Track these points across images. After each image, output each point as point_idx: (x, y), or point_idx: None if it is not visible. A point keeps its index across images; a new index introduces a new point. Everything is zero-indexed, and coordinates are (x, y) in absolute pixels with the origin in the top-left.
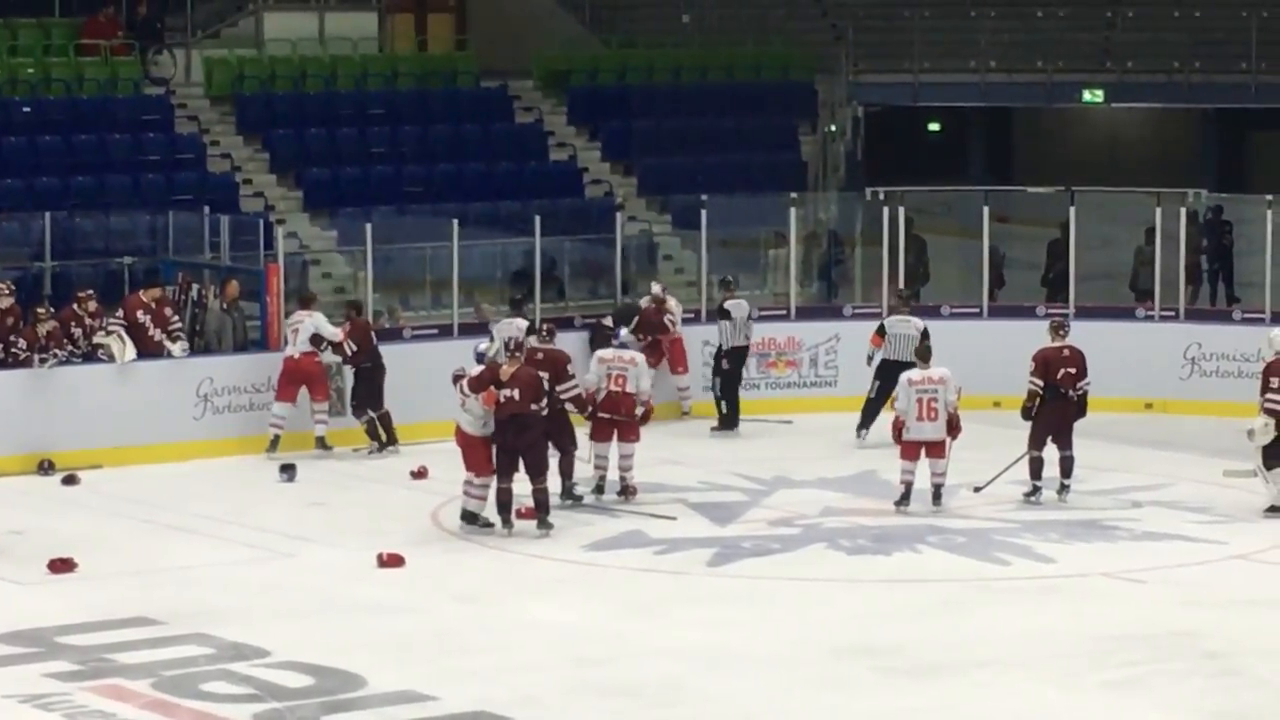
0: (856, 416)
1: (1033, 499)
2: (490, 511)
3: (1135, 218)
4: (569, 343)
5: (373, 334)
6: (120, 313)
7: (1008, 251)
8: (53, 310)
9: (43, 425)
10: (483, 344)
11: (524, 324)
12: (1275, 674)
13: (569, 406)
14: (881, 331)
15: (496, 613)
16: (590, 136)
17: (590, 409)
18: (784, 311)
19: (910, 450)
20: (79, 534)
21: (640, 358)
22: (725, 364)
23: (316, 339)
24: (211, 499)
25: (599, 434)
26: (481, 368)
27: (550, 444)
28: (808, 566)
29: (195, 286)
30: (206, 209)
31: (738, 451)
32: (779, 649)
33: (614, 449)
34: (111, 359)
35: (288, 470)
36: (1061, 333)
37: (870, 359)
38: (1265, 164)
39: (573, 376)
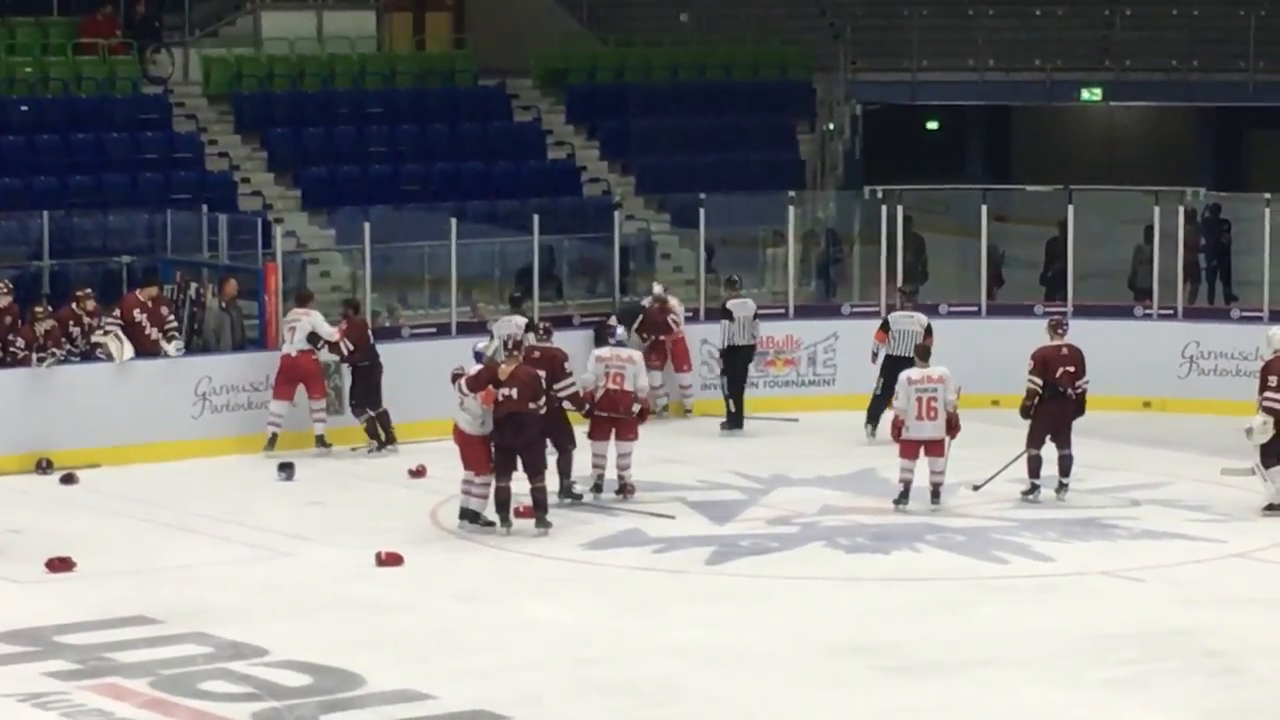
0: (855, 415)
1: (1031, 497)
2: (490, 510)
3: (1133, 216)
4: (568, 341)
5: (370, 333)
6: (117, 312)
7: (1006, 250)
8: (51, 309)
9: (41, 424)
10: (481, 343)
11: (523, 321)
12: (1274, 672)
13: (567, 405)
14: (885, 327)
15: (495, 611)
16: (588, 135)
17: (588, 407)
18: (782, 310)
19: (909, 449)
20: (77, 533)
21: (638, 355)
22: (727, 363)
23: (313, 337)
24: (210, 498)
25: (597, 432)
26: (480, 366)
27: (549, 442)
28: (806, 565)
29: (193, 285)
30: (205, 208)
31: (736, 450)
32: (777, 647)
33: (612, 447)
34: (110, 358)
35: (286, 469)
36: (1060, 331)
37: (875, 355)
38: (1263, 162)
39: (570, 375)
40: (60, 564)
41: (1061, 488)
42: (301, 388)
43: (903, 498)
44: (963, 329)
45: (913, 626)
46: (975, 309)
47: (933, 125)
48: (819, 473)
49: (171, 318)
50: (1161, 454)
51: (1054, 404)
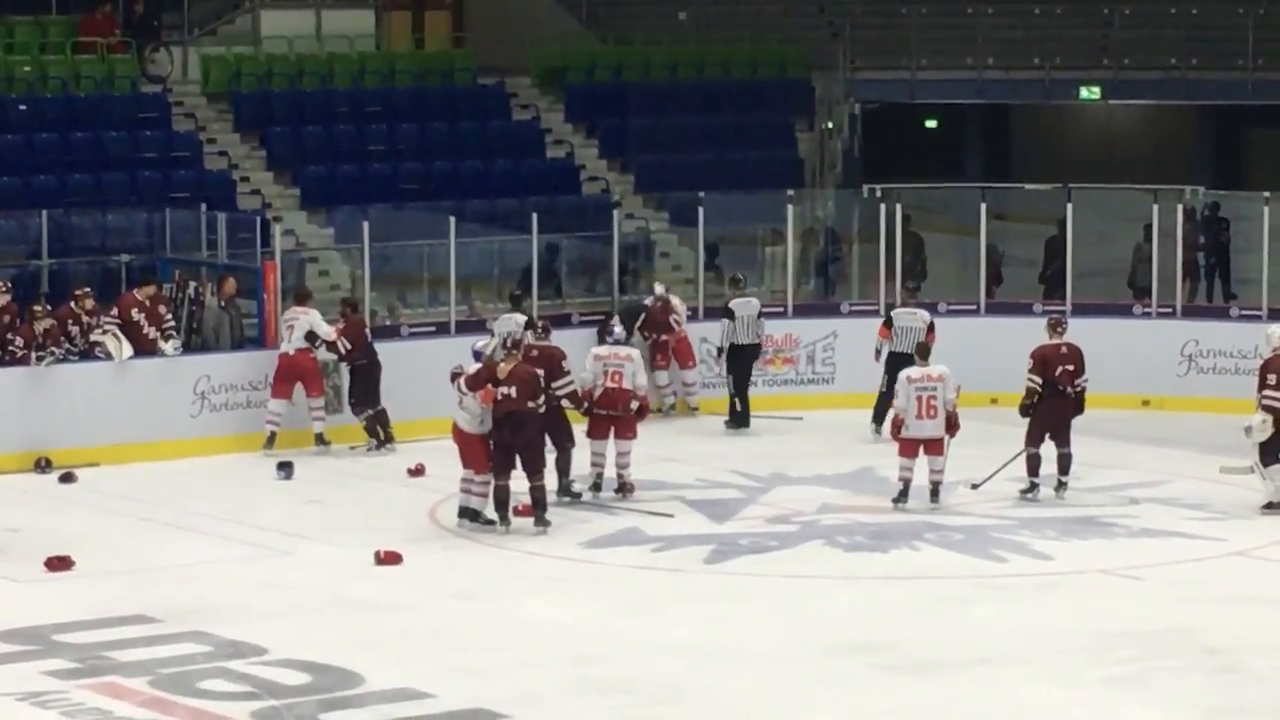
0: (854, 413)
1: (1029, 496)
2: (490, 509)
3: (1132, 215)
4: (566, 340)
5: (367, 331)
6: (115, 311)
7: (1005, 249)
8: (50, 308)
9: (40, 423)
10: (480, 341)
11: (523, 319)
12: (1273, 670)
13: (565, 403)
14: (889, 323)
15: (494, 610)
16: (587, 134)
17: (587, 405)
18: (781, 309)
19: (909, 447)
20: (76, 532)
21: (636, 353)
22: (731, 362)
23: (311, 336)
24: (209, 496)
25: (596, 431)
26: (479, 365)
27: (548, 441)
28: (805, 564)
29: (192, 284)
30: (203, 206)
31: (735, 449)
32: (776, 646)
33: (611, 446)
34: (109, 357)
35: (285, 468)
36: (1059, 330)
37: (879, 352)
38: (1262, 160)
39: (568, 373)
40: (59, 563)
41: (1060, 486)
42: (300, 386)
43: (902, 496)
44: (962, 327)
45: (912, 625)
46: (974, 307)
47: (932, 124)
48: (818, 471)
49: (169, 317)
50: (1160, 452)
51: (1053, 402)
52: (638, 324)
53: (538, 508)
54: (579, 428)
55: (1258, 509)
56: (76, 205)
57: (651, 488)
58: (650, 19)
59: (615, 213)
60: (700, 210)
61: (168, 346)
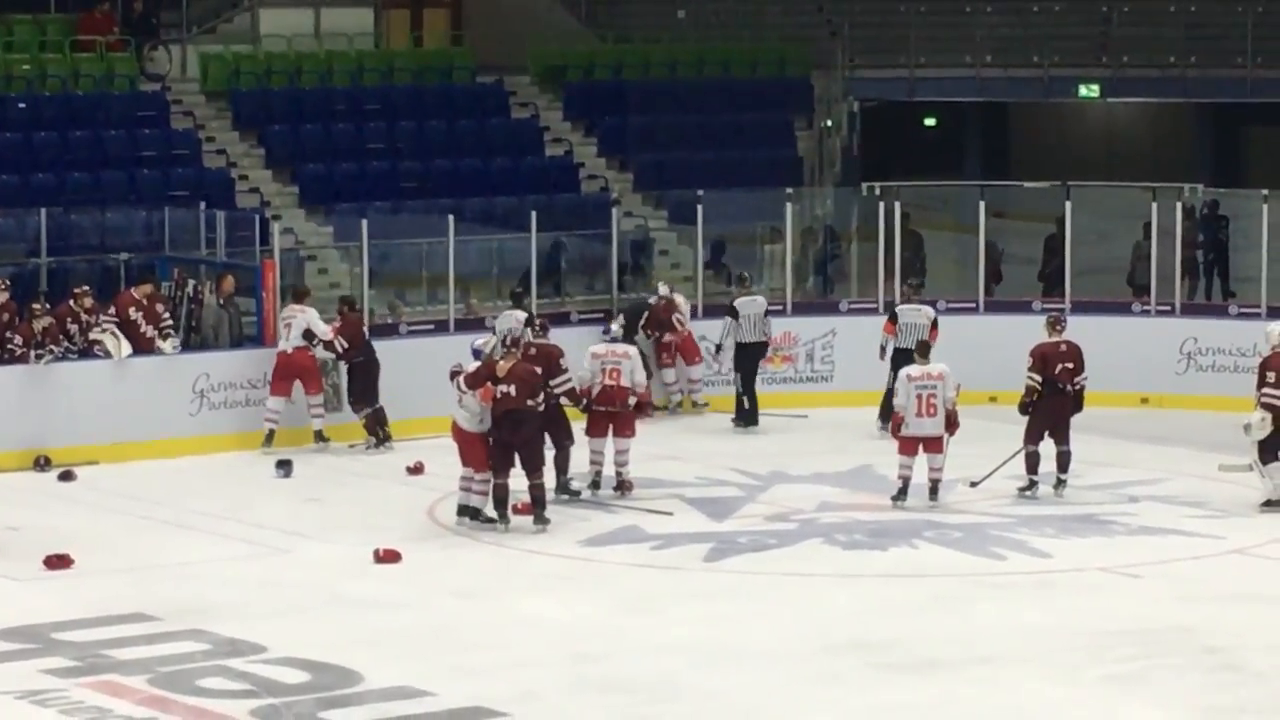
0: (853, 411)
1: (1028, 493)
2: (490, 507)
3: (1131, 212)
4: (566, 338)
5: (365, 329)
6: (112, 310)
7: (1004, 247)
8: (49, 306)
9: (39, 421)
10: (479, 340)
11: (523, 316)
12: (1273, 668)
13: (564, 401)
14: (894, 318)
15: (493, 608)
16: (586, 132)
17: (586, 402)
18: (780, 307)
19: (908, 445)
20: (75, 530)
21: (634, 350)
22: (738, 360)
23: (309, 334)
24: (208, 495)
25: (595, 429)
26: (478, 364)
27: (547, 439)
28: (804, 562)
29: (191, 282)
30: (202, 205)
31: (735, 447)
32: (775, 644)
33: (610, 444)
34: (108, 355)
35: (284, 466)
36: (1058, 328)
37: (883, 350)
38: (1261, 159)
39: (566, 371)
40: (58, 561)
41: (1059, 484)
42: (299, 384)
43: (901, 494)
44: (961, 325)
45: (911, 623)
46: (973, 305)
47: (930, 122)
48: (817, 469)
49: (167, 315)
50: (1159, 450)
51: (1052, 400)
52: (641, 322)
53: (537, 506)
54: (578, 426)
55: (1257, 507)
56: (75, 204)
57: (650, 486)
58: (649, 17)
59: (614, 211)
60: (699, 208)
61: (166, 345)
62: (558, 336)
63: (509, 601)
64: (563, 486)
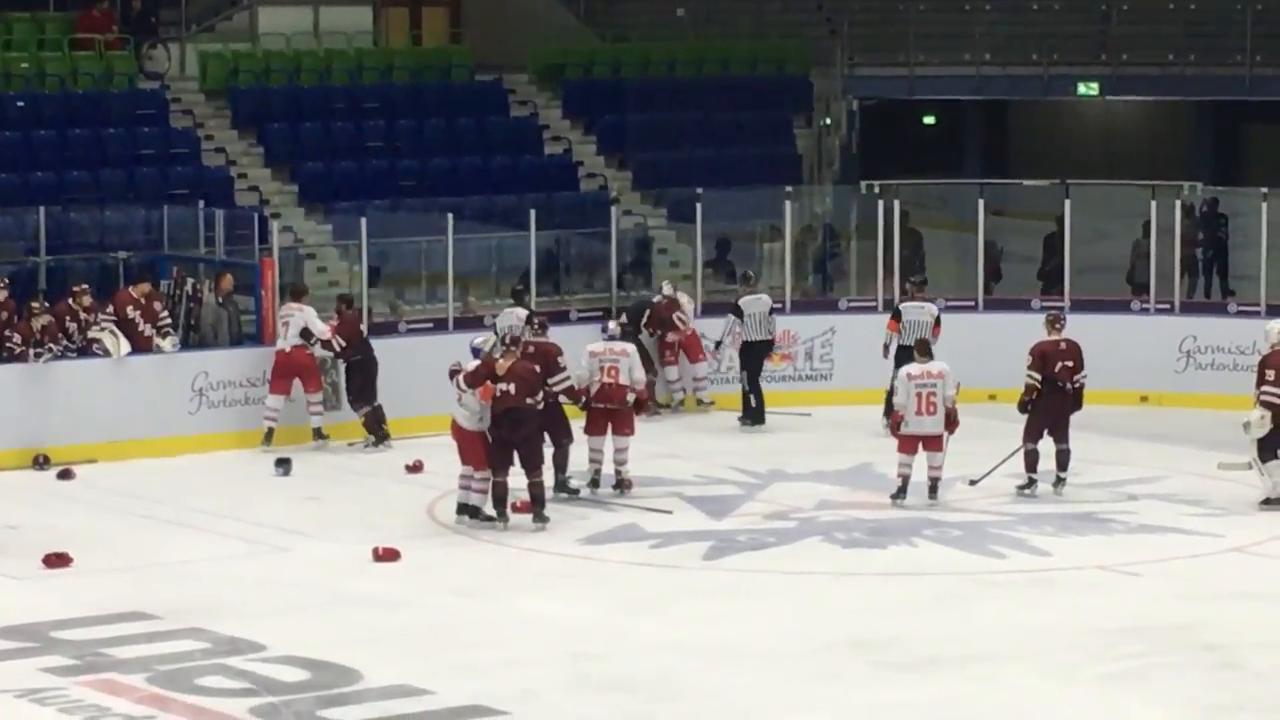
0: (853, 410)
1: (1027, 492)
2: (490, 505)
3: (1131, 211)
4: (565, 336)
5: (362, 327)
6: (110, 309)
7: (1004, 245)
8: (47, 305)
9: (38, 420)
10: (479, 338)
11: (524, 313)
12: (1273, 667)
13: (563, 399)
14: (897, 316)
15: (492, 607)
16: (585, 130)
17: (585, 401)
18: (779, 305)
19: (908, 444)
20: (74, 529)
21: (631, 348)
22: (744, 358)
23: (306, 333)
24: (207, 493)
25: (594, 427)
26: (477, 362)
27: (546, 437)
28: (803, 560)
29: (190, 281)
30: (201, 203)
31: (734, 445)
32: (775, 643)
33: (609, 442)
34: (107, 354)
35: (283, 464)
36: (1058, 326)
37: (887, 347)
38: (1260, 157)
39: (564, 369)
40: (57, 560)
41: (1059, 482)
42: (298, 382)
43: (900, 493)
44: (960, 324)
45: (910, 621)
46: (973, 304)
47: (929, 120)
48: (816, 468)
49: (165, 314)
50: (1159, 448)
51: (1051, 399)
52: (643, 321)
53: (536, 504)
54: (577, 424)
55: (1256, 505)
56: (74, 202)
57: (650, 484)
58: (648, 15)
59: (613, 209)
60: (698, 207)
61: (165, 344)
62: (557, 335)
63: (508, 600)
64: (562, 485)
